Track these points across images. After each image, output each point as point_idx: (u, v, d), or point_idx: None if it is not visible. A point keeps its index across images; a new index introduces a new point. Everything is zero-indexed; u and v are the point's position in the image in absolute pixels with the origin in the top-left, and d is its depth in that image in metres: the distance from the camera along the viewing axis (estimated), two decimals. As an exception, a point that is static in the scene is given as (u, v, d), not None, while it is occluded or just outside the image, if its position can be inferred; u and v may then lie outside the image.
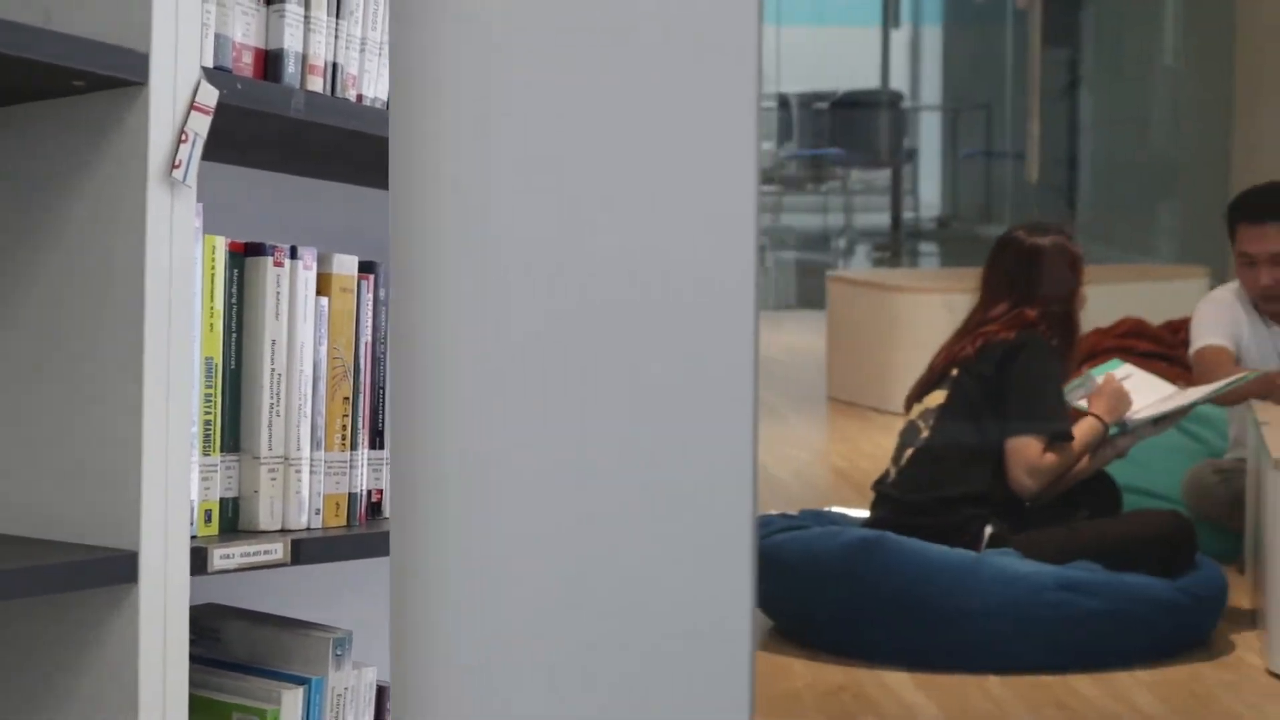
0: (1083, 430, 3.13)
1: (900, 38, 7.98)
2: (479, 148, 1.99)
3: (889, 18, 7.41)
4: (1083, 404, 3.20)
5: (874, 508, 3.14)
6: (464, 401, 1.95)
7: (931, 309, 3.60)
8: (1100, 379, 3.20)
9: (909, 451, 3.13)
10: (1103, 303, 3.71)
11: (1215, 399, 3.31)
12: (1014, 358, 3.09)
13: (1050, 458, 3.07)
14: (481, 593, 1.96)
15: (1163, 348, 3.72)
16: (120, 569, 2.54)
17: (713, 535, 2.27)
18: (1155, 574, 3.01)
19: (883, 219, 7.84)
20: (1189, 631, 3.04)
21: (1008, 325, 3.12)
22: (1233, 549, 3.08)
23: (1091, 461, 3.17)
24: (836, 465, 3.28)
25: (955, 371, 3.13)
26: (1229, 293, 3.54)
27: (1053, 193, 7.38)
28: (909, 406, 3.21)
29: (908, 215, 7.91)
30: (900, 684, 2.91)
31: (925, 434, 3.12)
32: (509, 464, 1.91)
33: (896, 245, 7.51)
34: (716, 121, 2.26)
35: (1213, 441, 3.65)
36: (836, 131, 7.84)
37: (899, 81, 8.18)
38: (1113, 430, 3.18)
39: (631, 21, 2.16)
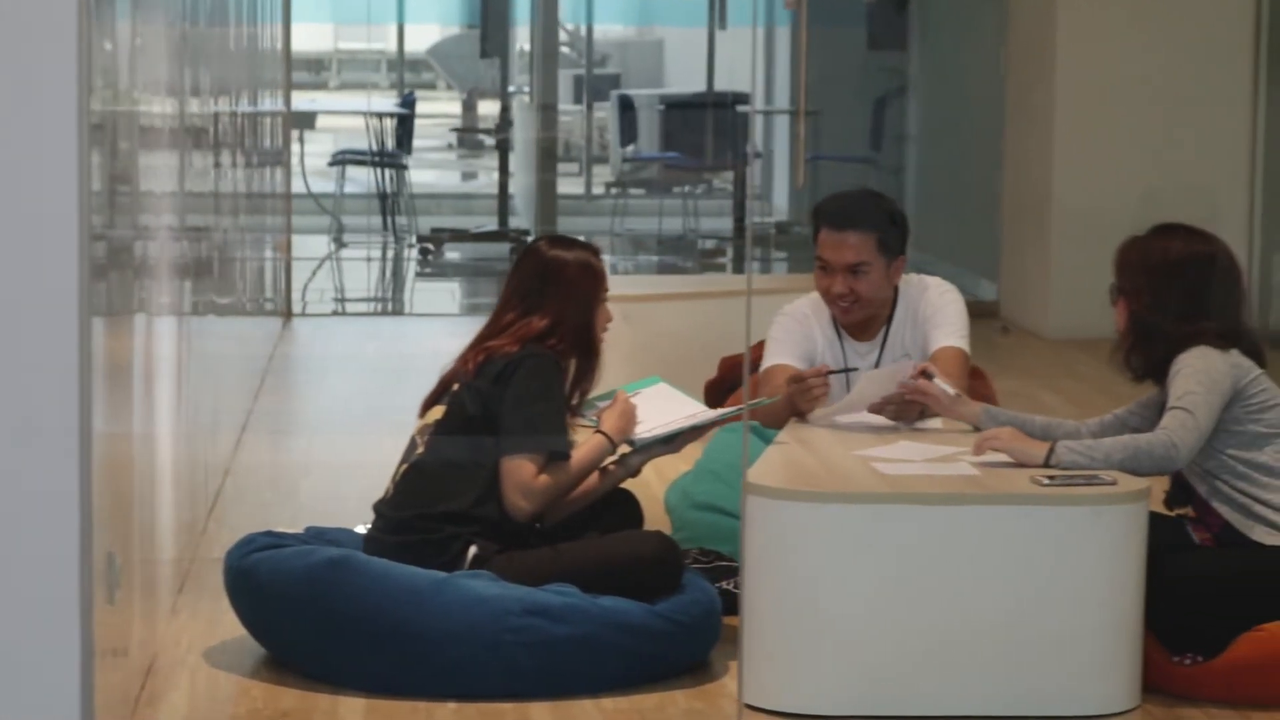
0: (586, 449, 3.03)
1: (749, 39, 7.83)
2: None
3: (714, 19, 7.27)
4: (595, 421, 3.10)
5: (372, 526, 3.06)
6: None
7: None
8: (604, 404, 3.09)
9: (403, 468, 3.04)
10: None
11: (736, 418, 3.20)
12: (513, 373, 2.99)
13: (545, 479, 2.98)
14: None
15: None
16: None
17: (33, 553, 2.19)
18: (635, 597, 2.91)
19: (728, 223, 7.72)
20: (673, 657, 2.94)
21: (513, 339, 3.02)
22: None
23: (603, 480, 3.07)
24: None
25: (456, 386, 3.04)
26: (808, 305, 3.41)
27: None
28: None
29: (758, 220, 7.78)
30: (351, 711, 2.85)
31: (421, 450, 3.03)
32: None
33: (739, 250, 7.38)
34: (36, 124, 2.18)
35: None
36: (672, 135, 7.73)
37: (750, 84, 8.05)
38: (624, 449, 3.08)
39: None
